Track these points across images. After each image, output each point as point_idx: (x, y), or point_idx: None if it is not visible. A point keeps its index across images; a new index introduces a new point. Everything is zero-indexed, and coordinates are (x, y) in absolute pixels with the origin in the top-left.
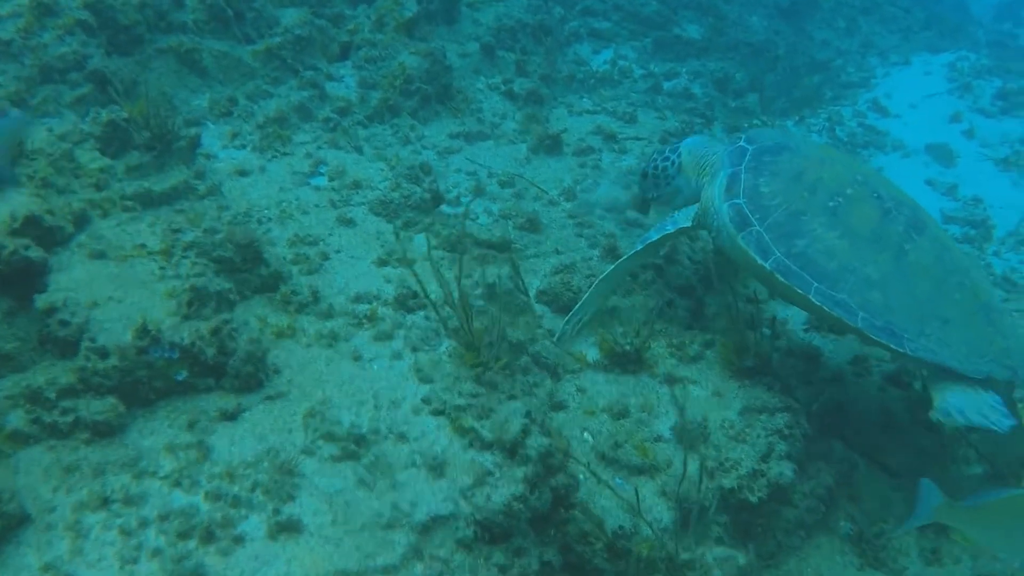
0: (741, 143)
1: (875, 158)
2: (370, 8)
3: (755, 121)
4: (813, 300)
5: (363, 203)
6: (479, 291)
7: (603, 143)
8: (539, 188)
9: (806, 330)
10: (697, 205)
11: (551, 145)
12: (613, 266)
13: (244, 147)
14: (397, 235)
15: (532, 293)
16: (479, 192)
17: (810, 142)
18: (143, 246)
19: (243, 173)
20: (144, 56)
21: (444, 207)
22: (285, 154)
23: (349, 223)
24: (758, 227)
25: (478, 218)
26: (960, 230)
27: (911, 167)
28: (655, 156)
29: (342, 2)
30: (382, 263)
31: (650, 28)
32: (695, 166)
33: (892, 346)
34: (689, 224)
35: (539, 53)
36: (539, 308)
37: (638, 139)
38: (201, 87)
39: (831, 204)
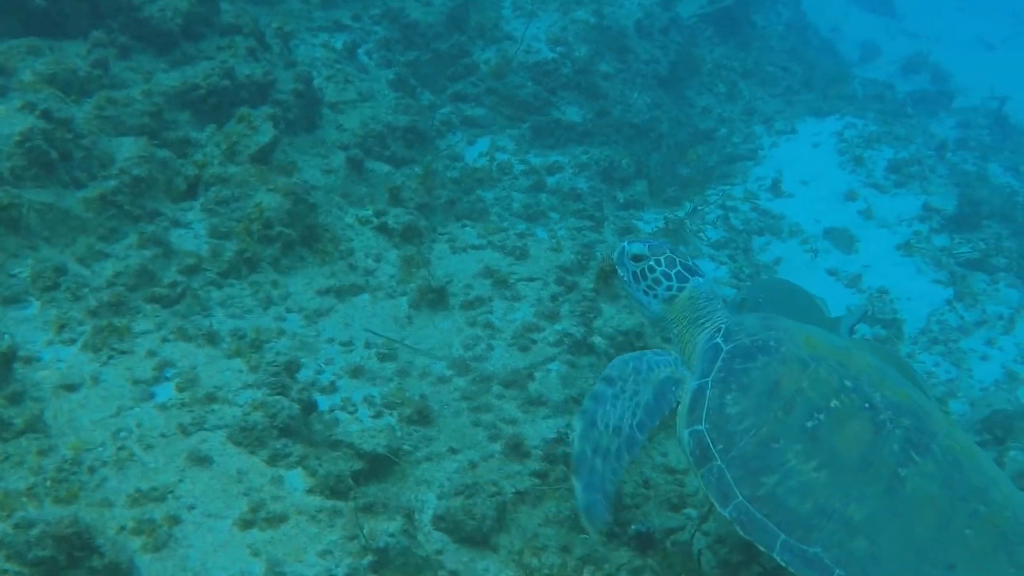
0: (718, 339)
1: (773, 246)
2: (220, 133)
3: (644, 216)
4: (778, 559)
5: (220, 427)
6: (367, 560)
7: (493, 289)
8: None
9: None
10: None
11: (435, 299)
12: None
13: (73, 342)
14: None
15: (428, 516)
16: (356, 373)
17: (795, 329)
18: None
19: (71, 388)
20: None
21: (318, 399)
22: (123, 352)
23: (204, 462)
24: (719, 462)
25: (357, 411)
26: (871, 331)
27: (811, 255)
28: (662, 262)
29: (187, 124)
30: (246, 525)
31: (527, 112)
32: (683, 317)
33: None
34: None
35: (411, 160)
36: (437, 538)
37: (531, 280)
38: (23, 248)
39: (810, 424)
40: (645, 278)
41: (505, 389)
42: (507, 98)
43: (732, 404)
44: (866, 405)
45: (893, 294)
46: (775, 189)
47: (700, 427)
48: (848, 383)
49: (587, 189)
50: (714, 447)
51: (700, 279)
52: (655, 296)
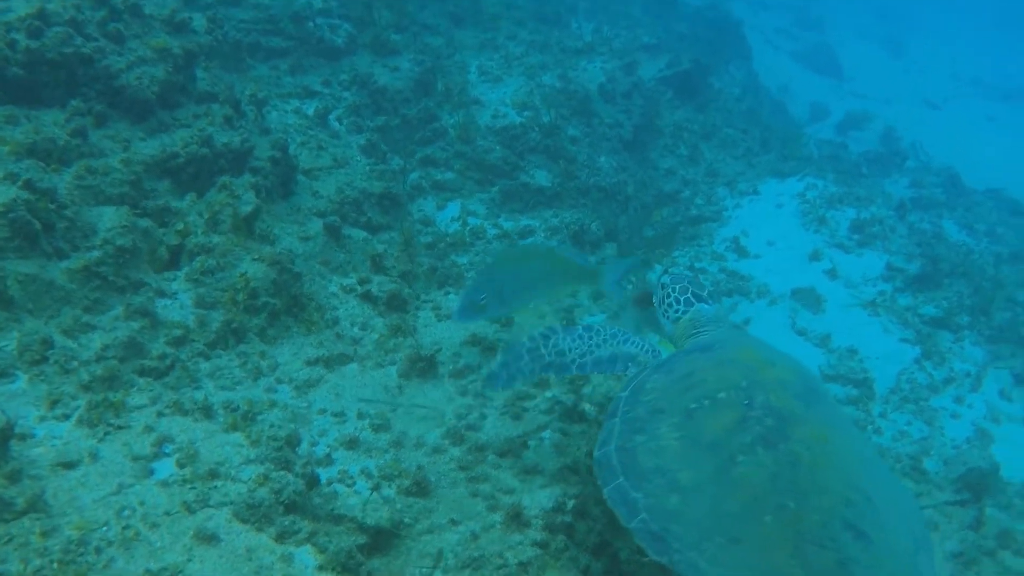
0: (688, 345)
1: (742, 306)
2: (201, 202)
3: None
4: (604, 494)
5: (225, 503)
6: None
7: (481, 357)
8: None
9: None
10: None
11: (425, 368)
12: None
13: (67, 418)
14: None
15: None
16: (351, 445)
17: (745, 341)
18: None
19: (69, 465)
20: None
21: (319, 473)
22: (120, 427)
23: (211, 540)
24: (618, 419)
25: (355, 483)
26: (842, 390)
27: (780, 316)
28: (676, 289)
29: (167, 192)
30: None
31: (496, 176)
32: (685, 335)
33: (651, 553)
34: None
35: (387, 226)
36: None
37: None
38: (7, 321)
39: (693, 406)
40: (663, 302)
41: (500, 458)
42: (476, 162)
43: (653, 381)
44: (745, 402)
45: (862, 353)
46: (741, 249)
47: (623, 394)
48: (744, 383)
49: None
50: (621, 408)
51: (706, 306)
52: (667, 317)
